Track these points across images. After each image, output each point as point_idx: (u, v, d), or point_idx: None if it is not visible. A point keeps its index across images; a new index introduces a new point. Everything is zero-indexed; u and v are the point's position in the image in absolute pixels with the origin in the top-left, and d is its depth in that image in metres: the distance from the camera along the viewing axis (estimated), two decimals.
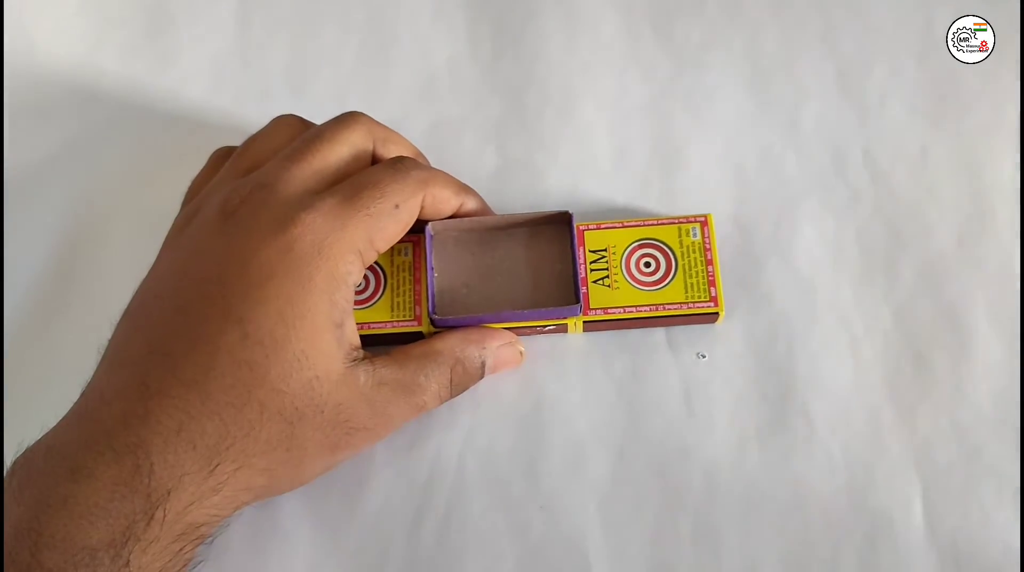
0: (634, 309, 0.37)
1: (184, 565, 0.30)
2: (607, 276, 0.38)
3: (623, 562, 0.35)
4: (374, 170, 0.34)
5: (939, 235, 0.40)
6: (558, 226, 0.37)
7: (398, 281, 0.38)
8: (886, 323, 0.39)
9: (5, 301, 0.40)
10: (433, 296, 0.36)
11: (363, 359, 0.33)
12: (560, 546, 0.35)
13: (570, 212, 0.37)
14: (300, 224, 0.31)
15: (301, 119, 0.37)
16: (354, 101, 0.44)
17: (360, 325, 0.37)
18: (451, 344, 0.35)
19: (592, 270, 0.38)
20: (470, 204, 0.37)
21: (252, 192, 0.32)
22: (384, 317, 0.37)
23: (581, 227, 0.39)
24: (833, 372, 0.38)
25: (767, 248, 0.40)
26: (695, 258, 0.38)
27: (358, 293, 0.38)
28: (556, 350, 0.38)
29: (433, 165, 0.38)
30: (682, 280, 0.37)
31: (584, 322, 0.38)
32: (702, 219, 0.38)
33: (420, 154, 0.39)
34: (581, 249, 0.38)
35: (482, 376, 0.36)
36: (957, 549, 0.35)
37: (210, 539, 0.31)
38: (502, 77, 0.45)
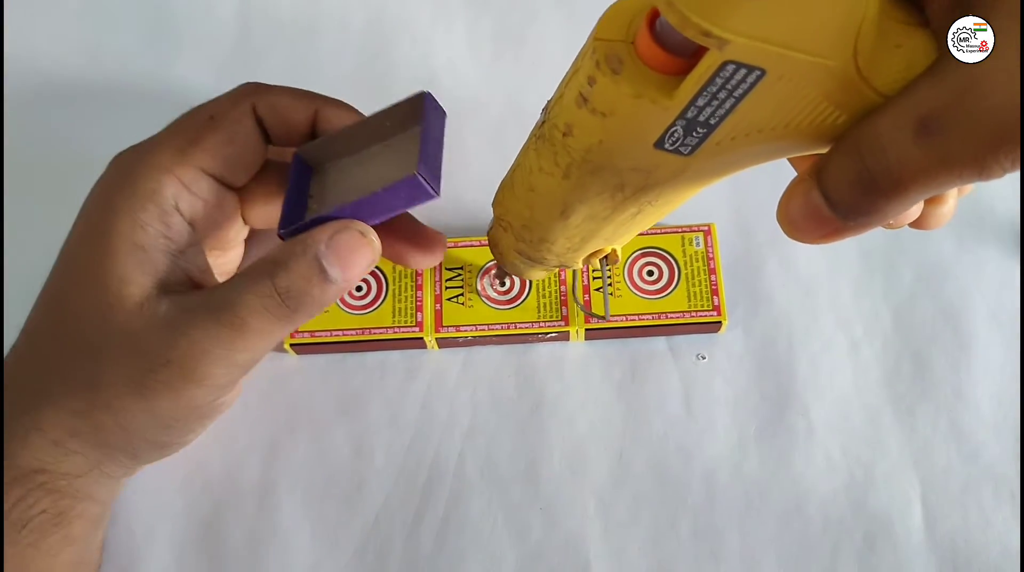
0: (637, 317, 0.37)
1: (41, 513, 0.30)
2: (610, 284, 0.38)
3: (623, 564, 0.35)
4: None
5: (939, 236, 0.40)
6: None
7: (400, 287, 0.38)
8: (885, 324, 0.39)
9: (5, 301, 0.40)
10: (284, 213, 0.31)
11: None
12: (560, 547, 0.35)
13: (426, 91, 0.31)
14: (117, 158, 0.32)
15: None
16: (353, 102, 0.44)
17: (361, 330, 0.37)
18: (271, 253, 0.29)
19: (595, 278, 0.38)
20: (332, 114, 0.32)
21: None
22: (386, 322, 0.37)
23: None
24: (832, 373, 0.38)
25: (766, 250, 0.40)
26: (698, 267, 0.38)
27: (359, 297, 0.38)
28: (557, 357, 0.38)
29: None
30: (685, 289, 0.37)
31: (586, 330, 0.38)
32: (705, 228, 0.38)
33: None
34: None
35: (329, 277, 0.29)
36: (956, 550, 0.35)
37: (59, 495, 0.30)
38: (502, 78, 0.45)
